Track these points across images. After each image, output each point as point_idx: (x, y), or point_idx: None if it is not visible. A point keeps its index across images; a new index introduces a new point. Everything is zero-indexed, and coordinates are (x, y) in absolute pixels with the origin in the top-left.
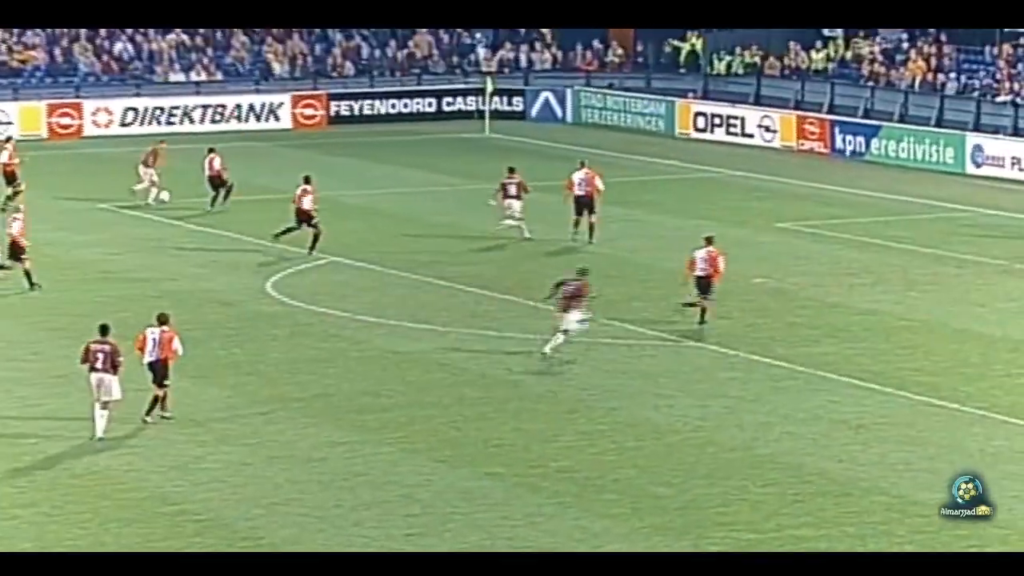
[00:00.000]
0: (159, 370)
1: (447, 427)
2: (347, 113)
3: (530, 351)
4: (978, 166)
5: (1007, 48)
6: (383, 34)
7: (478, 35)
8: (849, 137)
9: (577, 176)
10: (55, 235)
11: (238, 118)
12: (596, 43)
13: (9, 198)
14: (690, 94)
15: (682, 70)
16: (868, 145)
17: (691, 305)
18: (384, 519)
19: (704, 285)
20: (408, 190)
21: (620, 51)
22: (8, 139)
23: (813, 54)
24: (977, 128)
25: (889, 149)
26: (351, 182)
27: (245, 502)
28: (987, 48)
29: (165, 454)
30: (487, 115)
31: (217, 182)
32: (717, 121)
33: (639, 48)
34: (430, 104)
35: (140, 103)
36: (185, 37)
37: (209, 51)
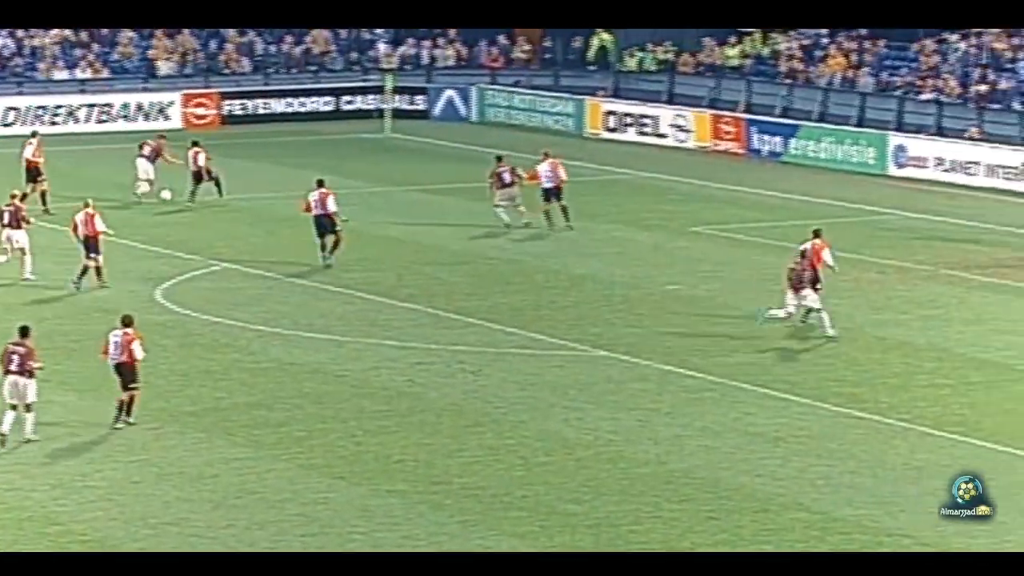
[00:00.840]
0: (124, 373)
1: (346, 442)
2: (241, 112)
3: (432, 362)
4: (900, 167)
5: (929, 44)
6: (278, 30)
7: (379, 30)
8: (766, 137)
9: (543, 168)
10: None
11: (126, 118)
12: (502, 39)
13: (26, 194)
14: (600, 92)
15: (592, 67)
16: (786, 145)
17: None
18: (279, 539)
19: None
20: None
21: (527, 47)
22: (34, 134)
23: (728, 50)
24: (899, 128)
25: (808, 149)
26: (246, 185)
27: (133, 522)
28: (910, 44)
29: (49, 472)
30: (388, 114)
31: (199, 177)
32: (628, 120)
33: (547, 44)
34: (328, 103)
35: (22, 102)
36: (69, 33)
37: (95, 47)
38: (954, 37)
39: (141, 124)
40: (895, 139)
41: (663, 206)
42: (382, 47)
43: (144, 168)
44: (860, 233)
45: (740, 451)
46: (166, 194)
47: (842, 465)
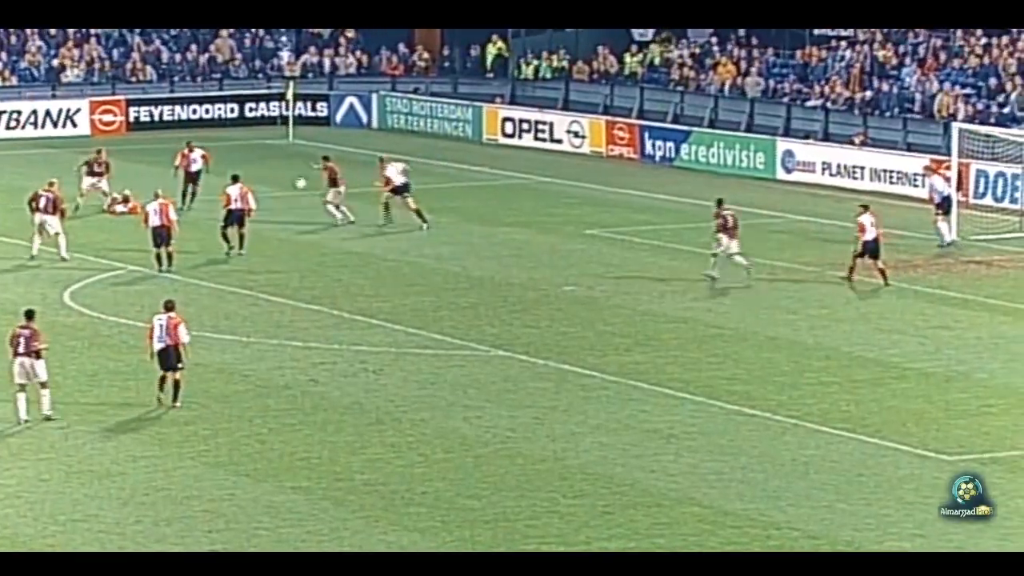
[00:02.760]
0: (171, 356)
1: (251, 440)
2: (147, 119)
3: (335, 362)
4: (789, 171)
5: (816, 51)
6: (184, 37)
7: (282, 39)
8: (659, 143)
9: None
10: None
11: (34, 124)
12: (401, 47)
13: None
14: (497, 99)
15: (489, 75)
16: (678, 150)
17: (850, 276)
18: (186, 535)
19: (874, 249)
20: (210, 197)
21: (426, 55)
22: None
23: (628, 58)
24: (787, 133)
25: (699, 154)
26: (152, 189)
27: (42, 519)
28: (797, 51)
29: None
30: (290, 121)
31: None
32: (525, 126)
33: (446, 52)
34: (232, 110)
35: None
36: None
37: (2, 55)
38: (841, 44)
39: (49, 131)
40: (783, 144)
41: (559, 209)
42: (285, 55)
43: (88, 182)
44: (750, 236)
45: (634, 447)
46: (301, 183)
47: (733, 461)
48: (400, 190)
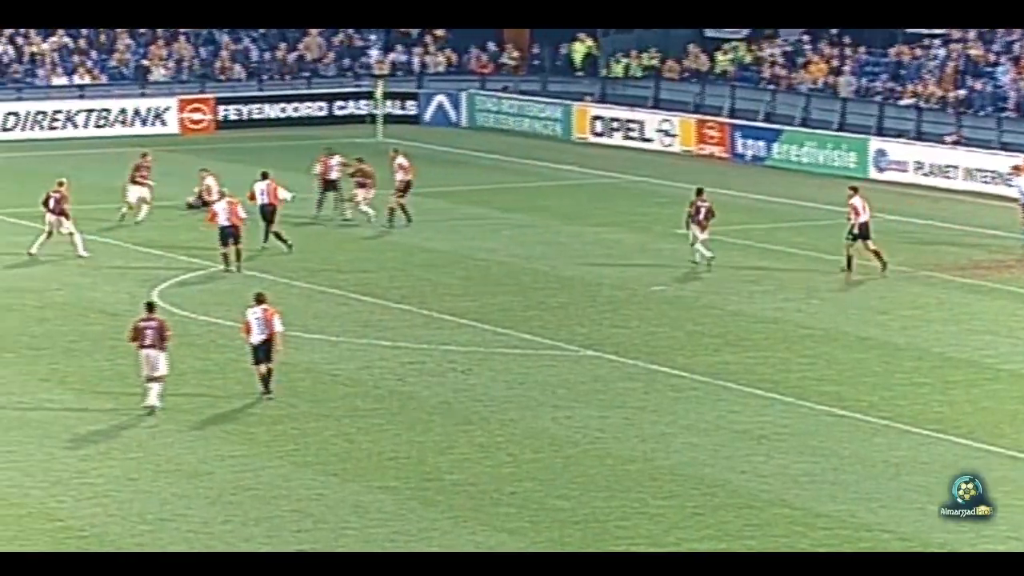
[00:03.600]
0: (267, 348)
1: (339, 439)
2: (236, 117)
3: (424, 361)
4: (881, 171)
5: (908, 50)
6: (272, 36)
7: (371, 37)
8: (750, 141)
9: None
10: None
11: (123, 123)
12: (491, 45)
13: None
14: (587, 97)
15: (579, 73)
16: (769, 149)
17: (848, 266)
18: (274, 535)
19: (865, 231)
20: (299, 196)
21: (515, 53)
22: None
23: (719, 56)
24: (880, 132)
25: (791, 153)
26: (240, 188)
27: (131, 518)
28: (889, 50)
29: (47, 469)
30: (379, 119)
31: (328, 185)
32: (615, 125)
33: (535, 50)
34: (321, 108)
35: (21, 107)
36: (68, 39)
37: (93, 54)
38: (935, 42)
39: (138, 129)
40: (875, 143)
41: (649, 209)
42: (374, 53)
43: (132, 190)
44: (841, 235)
45: (725, 448)
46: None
47: (824, 462)
48: (331, 185)
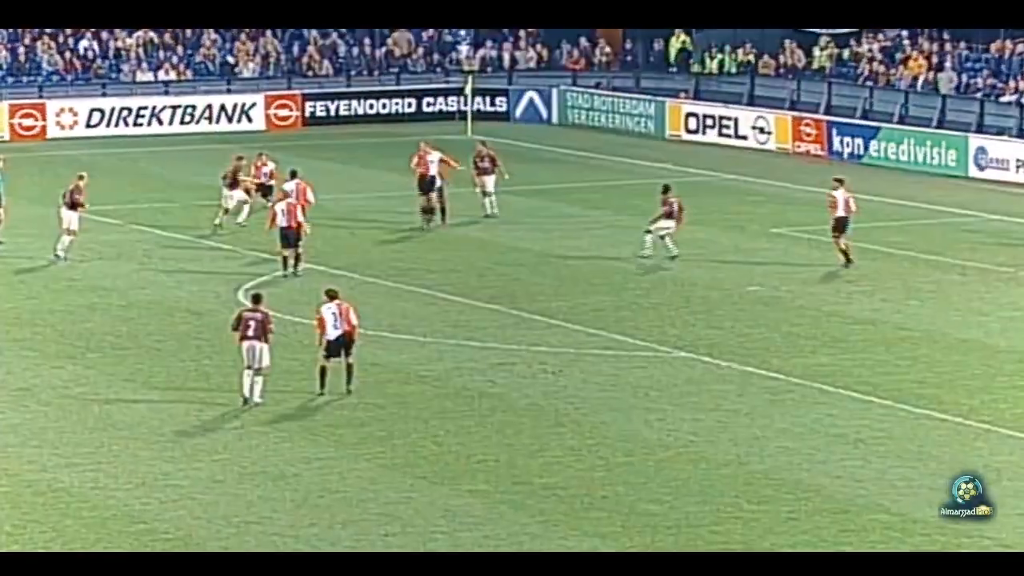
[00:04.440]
0: (344, 344)
1: (427, 442)
2: (323, 114)
3: (514, 363)
4: (982, 169)
5: (1010, 45)
6: (360, 31)
7: (461, 32)
8: (847, 139)
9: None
10: (18, 241)
11: (208, 119)
12: (583, 41)
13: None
14: (681, 94)
15: (672, 69)
16: (867, 147)
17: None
18: (361, 538)
19: (841, 225)
20: (388, 194)
21: (608, 49)
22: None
23: (816, 51)
24: (980, 129)
25: (888, 151)
26: (329, 186)
27: (216, 520)
28: (991, 45)
29: (132, 470)
30: (469, 116)
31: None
32: (709, 122)
33: (627, 46)
34: (410, 104)
35: (106, 103)
36: (153, 35)
37: (179, 49)
38: None
39: (224, 126)
40: (976, 141)
41: (744, 207)
42: (463, 49)
43: (230, 194)
44: (941, 235)
45: (820, 452)
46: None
47: (923, 467)
48: (265, 189)
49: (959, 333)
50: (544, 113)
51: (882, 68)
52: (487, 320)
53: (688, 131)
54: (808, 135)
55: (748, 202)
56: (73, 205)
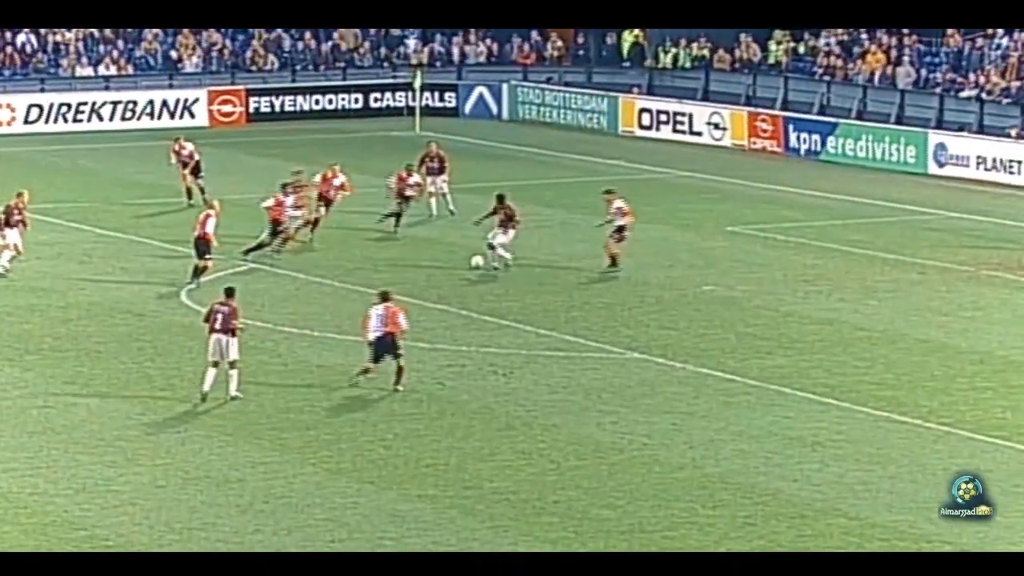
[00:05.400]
0: (386, 345)
1: (375, 445)
2: (267, 110)
3: (463, 364)
4: (941, 166)
5: (970, 39)
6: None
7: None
8: (804, 135)
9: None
10: None
11: (150, 115)
12: (534, 35)
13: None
14: (634, 89)
15: (625, 64)
16: (824, 143)
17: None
18: (307, 544)
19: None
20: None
21: (559, 44)
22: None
23: (772, 45)
24: (940, 125)
25: (846, 148)
26: (273, 184)
27: (158, 527)
28: (949, 39)
29: (72, 475)
30: (417, 111)
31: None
32: (663, 118)
33: (579, 40)
34: (356, 100)
35: (45, 99)
36: (93, 29)
37: (119, 43)
38: (998, 31)
39: (166, 122)
40: (935, 137)
41: (699, 205)
42: (411, 43)
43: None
44: (900, 233)
45: (777, 455)
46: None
47: (881, 470)
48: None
49: (918, 333)
50: (494, 109)
51: (839, 62)
52: (436, 321)
53: (641, 127)
54: (764, 131)
55: (703, 199)
56: (10, 223)
